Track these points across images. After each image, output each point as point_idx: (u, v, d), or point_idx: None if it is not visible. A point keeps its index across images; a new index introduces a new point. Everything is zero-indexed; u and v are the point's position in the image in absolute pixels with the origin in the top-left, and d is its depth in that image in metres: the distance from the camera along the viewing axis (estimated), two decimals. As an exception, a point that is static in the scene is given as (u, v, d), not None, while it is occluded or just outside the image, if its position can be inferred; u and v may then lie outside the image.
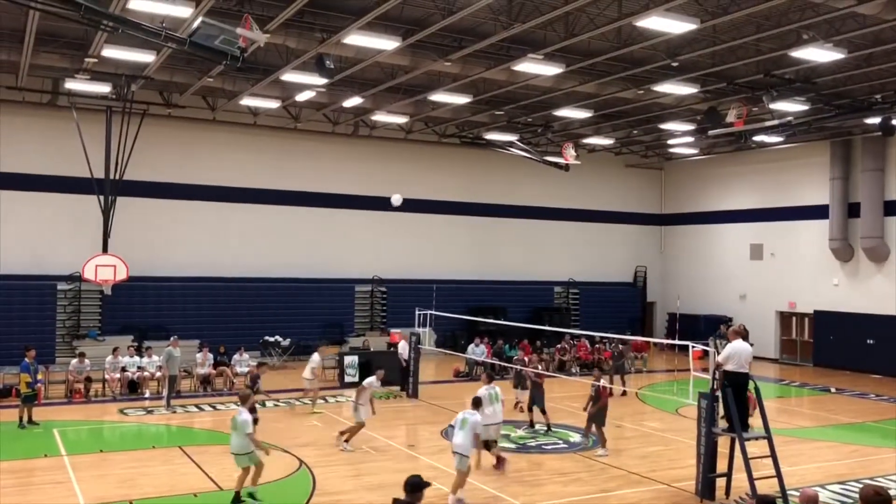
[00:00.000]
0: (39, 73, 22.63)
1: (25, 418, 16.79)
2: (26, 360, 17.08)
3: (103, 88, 22.20)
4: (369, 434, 16.51)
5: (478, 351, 25.07)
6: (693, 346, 14.90)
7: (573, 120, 27.27)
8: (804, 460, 15.09)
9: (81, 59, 20.13)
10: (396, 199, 20.99)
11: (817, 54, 17.88)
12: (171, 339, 20.43)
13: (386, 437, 16.28)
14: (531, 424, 17.15)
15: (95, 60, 19.83)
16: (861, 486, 12.62)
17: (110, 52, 18.92)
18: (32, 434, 16.20)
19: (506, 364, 23.60)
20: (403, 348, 22.20)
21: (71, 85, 21.93)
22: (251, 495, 11.44)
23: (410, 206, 31.33)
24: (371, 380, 15.65)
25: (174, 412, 18.67)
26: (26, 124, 24.87)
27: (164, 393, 19.52)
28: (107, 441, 16.56)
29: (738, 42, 17.91)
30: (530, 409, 17.26)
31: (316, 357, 19.83)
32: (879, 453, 15.67)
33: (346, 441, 15.14)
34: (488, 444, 13.57)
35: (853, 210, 28.98)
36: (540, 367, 18.59)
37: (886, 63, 19.66)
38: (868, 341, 28.08)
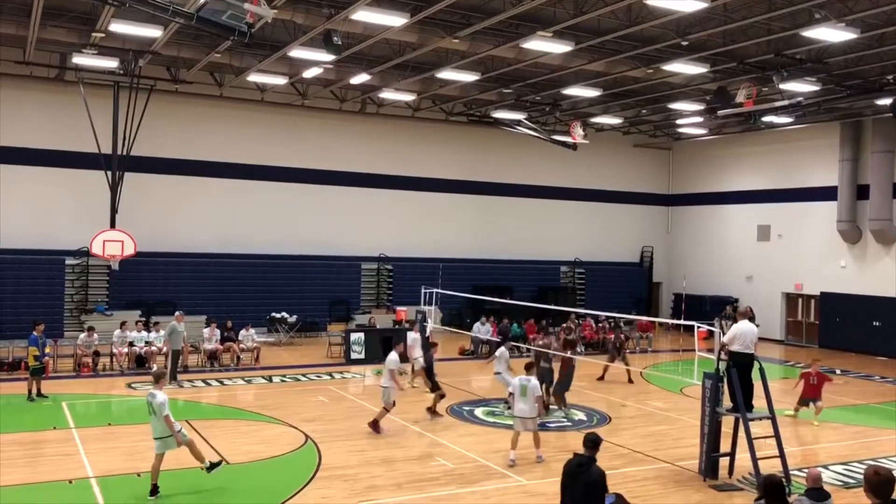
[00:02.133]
0: (47, 48, 22.60)
1: (34, 391, 16.96)
2: (35, 333, 17.21)
3: (110, 64, 22.17)
4: (374, 410, 16.62)
5: (483, 330, 25.15)
6: (698, 327, 14.90)
7: (581, 99, 27.13)
8: (808, 441, 15.15)
9: (89, 33, 20.08)
10: None
11: (829, 34, 17.69)
12: (176, 313, 20.50)
13: (392, 413, 16.35)
14: (550, 406, 17.08)
15: (103, 35, 19.78)
16: (864, 467, 12.68)
17: (117, 27, 18.87)
18: (42, 407, 16.37)
19: (512, 343, 23.63)
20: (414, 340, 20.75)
21: (78, 60, 21.89)
22: (210, 466, 11.04)
23: (417, 184, 31.46)
24: (393, 357, 15.12)
25: (181, 387, 18.81)
26: (34, 99, 24.87)
27: (168, 367, 19.62)
28: (115, 414, 16.71)
29: (748, 21, 17.74)
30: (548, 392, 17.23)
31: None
32: (882, 434, 15.72)
33: (374, 425, 14.59)
34: None
35: (862, 192, 28.85)
36: (554, 348, 18.06)
37: (899, 43, 19.49)
38: (874, 323, 28.06)
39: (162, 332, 21.46)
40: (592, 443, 7.85)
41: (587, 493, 7.40)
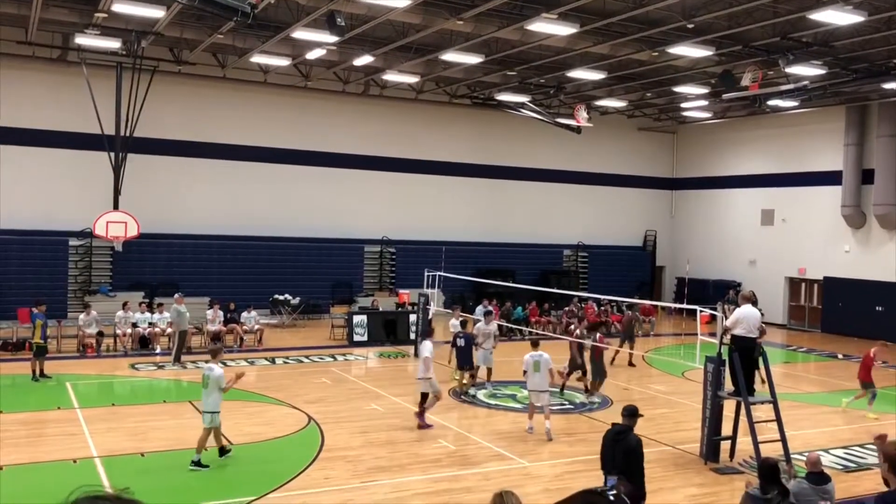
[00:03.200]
0: (49, 28, 22.52)
1: (38, 371, 17.03)
2: (38, 311, 17.32)
3: (113, 44, 22.09)
4: (377, 392, 16.71)
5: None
6: (701, 311, 14.90)
7: (586, 81, 26.99)
8: (809, 425, 15.19)
9: (91, 13, 20.01)
10: None
11: (836, 17, 17.56)
12: (176, 296, 20.43)
13: (394, 395, 16.45)
14: (586, 389, 17.13)
15: (105, 15, 19.70)
16: (864, 451, 12.67)
17: (120, 7, 18.79)
18: (46, 387, 16.46)
19: (513, 326, 23.68)
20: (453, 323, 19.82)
21: (81, 40, 21.82)
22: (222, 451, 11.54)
23: (420, 167, 31.40)
24: (428, 346, 14.21)
25: (184, 367, 18.89)
26: (37, 79, 24.80)
27: (173, 349, 19.69)
28: (118, 395, 16.80)
29: (754, 4, 17.62)
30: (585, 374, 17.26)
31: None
32: (884, 419, 15.74)
33: (420, 415, 13.93)
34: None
35: (867, 176, 28.73)
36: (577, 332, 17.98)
37: (906, 27, 19.33)
38: (877, 308, 28.03)
39: (166, 314, 21.54)
40: (630, 413, 8.61)
41: (627, 459, 8.06)
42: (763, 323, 18.49)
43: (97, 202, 24.24)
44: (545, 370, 13.40)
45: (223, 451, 11.52)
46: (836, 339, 28.14)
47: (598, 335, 17.34)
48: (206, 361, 11.87)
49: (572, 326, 18.02)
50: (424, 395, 13.85)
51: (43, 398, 15.44)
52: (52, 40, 23.88)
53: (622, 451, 8.12)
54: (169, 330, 21.25)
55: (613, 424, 8.58)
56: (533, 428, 13.55)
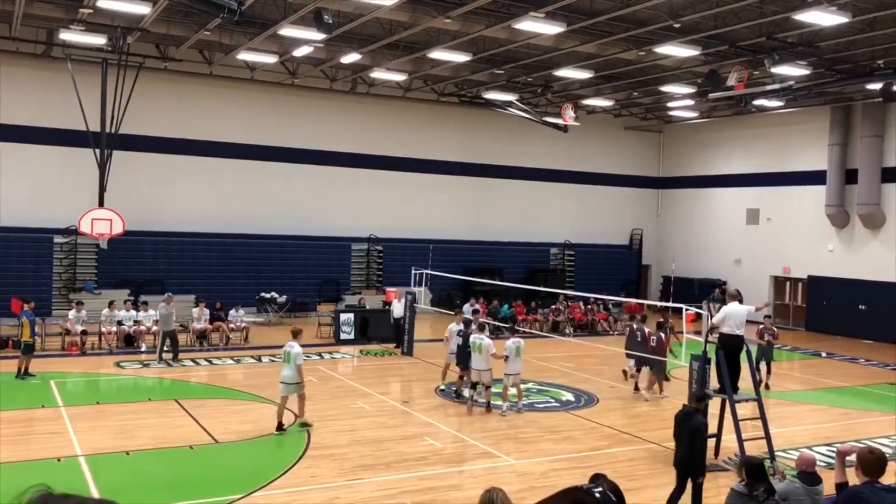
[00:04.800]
0: (33, 24, 22.34)
1: (24, 369, 16.87)
2: (27, 309, 17.19)
3: (98, 40, 21.93)
4: (364, 390, 16.71)
5: (472, 311, 25.12)
6: (686, 309, 14.98)
7: (573, 80, 27.05)
8: (793, 422, 15.30)
9: (76, 9, 19.86)
10: None
11: (821, 17, 17.69)
12: (165, 295, 20.16)
13: (380, 393, 16.45)
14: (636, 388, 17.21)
15: (90, 11, 19.56)
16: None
17: (105, 3, 18.66)
18: (29, 385, 16.33)
19: (499, 324, 23.69)
20: (395, 307, 22.30)
21: (66, 36, 21.64)
22: (303, 425, 13.16)
23: (408, 165, 31.38)
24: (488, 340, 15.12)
25: (169, 365, 18.81)
26: (21, 75, 24.59)
27: (158, 347, 19.53)
28: (103, 393, 16.69)
29: (740, 4, 17.73)
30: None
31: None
32: (867, 416, 15.89)
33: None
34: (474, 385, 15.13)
35: (851, 176, 28.96)
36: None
37: (890, 28, 19.47)
38: (860, 307, 28.28)
39: (151, 312, 21.45)
40: (698, 398, 10.55)
41: (691, 438, 9.43)
42: (771, 325, 18.53)
43: (82, 199, 24.07)
44: (520, 356, 14.86)
45: (305, 425, 13.11)
46: (820, 337, 28.36)
47: (662, 333, 16.98)
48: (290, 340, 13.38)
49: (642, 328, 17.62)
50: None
51: (27, 396, 15.32)
52: (37, 36, 23.69)
53: (688, 430, 9.43)
54: (155, 328, 21.18)
55: (684, 406, 10.15)
56: (503, 407, 14.79)
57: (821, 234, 30.21)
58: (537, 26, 19.21)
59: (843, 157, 29.21)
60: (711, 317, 12.72)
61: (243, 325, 22.84)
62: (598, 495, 3.97)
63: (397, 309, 22.08)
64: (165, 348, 19.40)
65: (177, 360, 19.20)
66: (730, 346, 12.06)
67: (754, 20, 19.09)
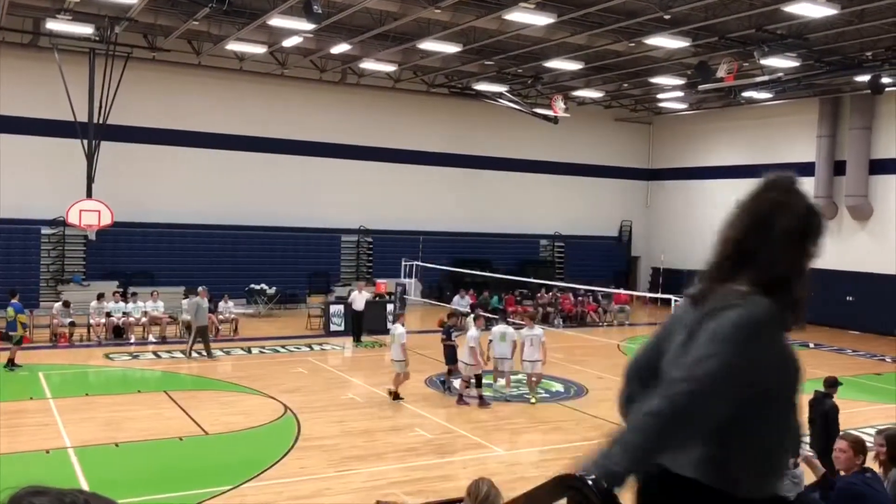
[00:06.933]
0: (19, 13, 22.13)
1: (11, 360, 16.80)
2: (16, 301, 17.11)
3: (86, 30, 21.74)
4: (353, 381, 16.72)
5: (462, 303, 25.18)
6: (676, 300, 15.04)
7: (563, 72, 27.04)
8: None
9: (63, -2, 19.70)
10: None
11: (810, 9, 17.74)
12: (199, 289, 19.44)
13: (370, 384, 16.46)
14: None
15: (77, 0, 19.39)
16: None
17: (93, -8, 18.50)
18: (17, 377, 16.25)
19: (489, 315, 23.72)
20: (356, 298, 21.82)
21: (52, 25, 21.44)
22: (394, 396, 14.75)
23: (398, 156, 31.32)
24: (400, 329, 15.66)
25: (212, 358, 18.70)
26: (7, 65, 24.34)
27: (189, 340, 19.05)
28: (92, 385, 16.65)
29: (731, -5, 17.74)
30: None
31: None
32: (854, 406, 16.00)
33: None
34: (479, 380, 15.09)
35: (839, 168, 29.09)
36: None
37: (878, 20, 19.56)
38: (848, 298, 28.44)
39: (140, 304, 21.35)
40: (830, 384, 10.79)
41: (824, 421, 9.88)
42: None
43: (70, 190, 23.90)
44: (509, 342, 15.58)
45: (396, 396, 14.73)
46: (807, 328, 28.46)
47: None
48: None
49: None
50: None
51: (15, 388, 15.22)
52: (23, 25, 23.47)
53: (820, 414, 9.91)
54: (143, 320, 21.12)
55: (816, 391, 10.45)
56: (493, 384, 15.94)
57: (809, 225, 30.28)
58: (527, 17, 19.16)
59: (832, 148, 29.33)
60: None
61: (233, 316, 22.79)
62: (590, 482, 3.99)
63: (358, 301, 21.85)
64: (197, 343, 18.84)
65: (211, 355, 18.68)
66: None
67: (744, 12, 19.12)
